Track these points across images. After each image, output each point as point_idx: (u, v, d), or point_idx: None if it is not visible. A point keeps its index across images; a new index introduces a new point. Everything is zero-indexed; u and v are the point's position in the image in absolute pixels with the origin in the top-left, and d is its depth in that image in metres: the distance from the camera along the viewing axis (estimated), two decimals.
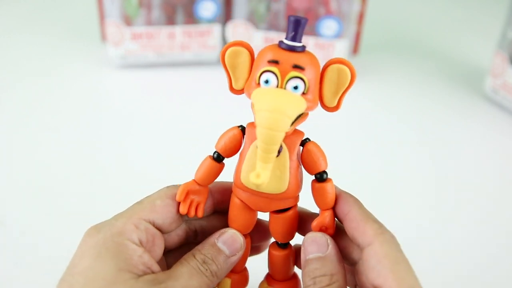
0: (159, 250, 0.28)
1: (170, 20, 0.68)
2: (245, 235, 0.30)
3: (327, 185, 0.28)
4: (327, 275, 0.26)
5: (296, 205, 0.29)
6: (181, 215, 0.29)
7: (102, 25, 0.74)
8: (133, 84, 0.68)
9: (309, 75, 0.26)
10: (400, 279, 0.24)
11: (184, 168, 0.52)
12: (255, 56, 0.27)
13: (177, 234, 0.30)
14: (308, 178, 0.29)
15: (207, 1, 0.68)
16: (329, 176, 0.28)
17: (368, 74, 0.73)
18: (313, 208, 0.30)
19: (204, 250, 0.28)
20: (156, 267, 0.26)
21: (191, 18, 0.69)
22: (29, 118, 0.59)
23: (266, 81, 0.26)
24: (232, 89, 0.28)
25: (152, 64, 0.71)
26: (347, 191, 0.29)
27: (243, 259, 0.31)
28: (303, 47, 0.26)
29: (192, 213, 0.29)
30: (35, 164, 0.52)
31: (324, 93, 0.27)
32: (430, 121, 0.64)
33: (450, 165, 0.56)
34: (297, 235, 0.30)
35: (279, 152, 0.26)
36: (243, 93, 0.28)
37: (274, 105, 0.24)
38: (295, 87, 0.25)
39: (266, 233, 0.31)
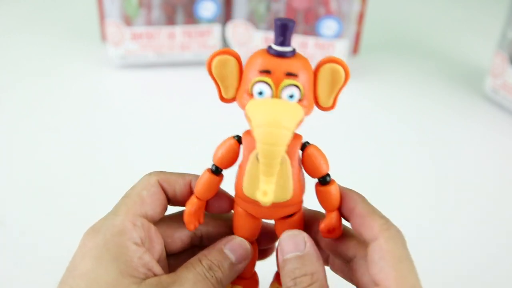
0: (158, 246, 0.28)
1: (170, 20, 0.68)
2: (252, 242, 0.29)
3: (331, 188, 0.27)
4: (308, 275, 0.25)
5: (300, 208, 0.28)
6: (168, 199, 0.29)
7: (102, 25, 0.74)
8: (133, 84, 0.68)
9: (303, 80, 0.25)
10: (401, 277, 0.24)
11: (184, 168, 0.52)
12: (243, 62, 0.26)
13: (181, 240, 0.30)
14: (310, 180, 0.28)
15: (207, 1, 0.68)
16: (332, 178, 0.27)
17: (368, 74, 0.73)
18: (317, 206, 0.29)
19: (210, 256, 0.27)
20: (157, 268, 0.26)
21: (191, 18, 0.69)
22: (29, 118, 0.59)
23: (260, 93, 0.25)
24: (222, 98, 0.27)
25: (152, 64, 0.71)
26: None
27: (252, 265, 0.30)
28: (293, 51, 0.25)
29: (197, 225, 0.29)
30: (35, 164, 0.52)
31: (318, 94, 0.26)
32: (430, 121, 0.64)
33: (450, 165, 0.56)
34: None
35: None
36: (234, 101, 0.27)
37: (271, 119, 0.23)
38: (291, 96, 0.25)
39: (272, 236, 0.31)
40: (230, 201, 0.30)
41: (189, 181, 0.29)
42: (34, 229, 0.44)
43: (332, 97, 0.26)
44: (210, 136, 0.59)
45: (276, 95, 0.25)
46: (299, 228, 0.29)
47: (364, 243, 0.27)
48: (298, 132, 0.27)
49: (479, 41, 0.86)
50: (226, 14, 0.72)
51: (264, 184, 0.24)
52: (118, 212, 0.27)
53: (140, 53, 0.69)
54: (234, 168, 0.28)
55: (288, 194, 0.26)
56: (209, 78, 0.26)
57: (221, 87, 0.27)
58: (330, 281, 0.27)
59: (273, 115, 0.23)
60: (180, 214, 0.30)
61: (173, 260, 0.30)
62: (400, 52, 0.81)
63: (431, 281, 0.40)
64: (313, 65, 0.26)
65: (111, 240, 0.25)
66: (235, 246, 0.28)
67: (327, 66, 0.26)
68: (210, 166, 0.28)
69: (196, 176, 0.29)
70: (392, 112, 0.65)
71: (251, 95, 0.25)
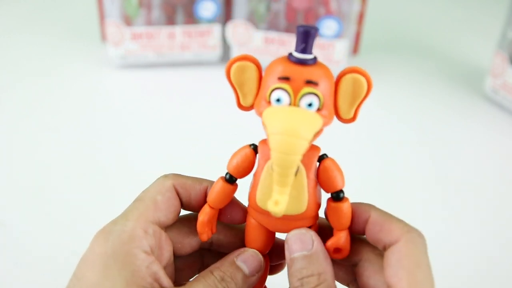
0: (167, 253, 0.27)
1: (170, 20, 0.68)
2: (263, 255, 0.29)
3: (343, 205, 0.26)
4: (315, 275, 0.25)
5: (315, 223, 0.27)
6: (181, 204, 0.28)
7: (102, 25, 0.74)
8: (133, 84, 0.68)
9: (323, 89, 0.24)
10: (416, 283, 0.23)
11: (184, 168, 0.52)
12: (263, 69, 0.25)
13: (190, 245, 0.29)
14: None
15: (207, 1, 0.68)
16: (346, 196, 0.26)
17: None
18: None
19: (223, 267, 0.26)
20: (164, 280, 0.25)
21: (191, 18, 0.69)
22: (29, 118, 0.59)
23: (278, 100, 0.24)
24: (240, 105, 0.26)
25: (152, 64, 0.71)
26: (350, 196, 0.28)
27: (263, 280, 0.29)
28: (315, 59, 0.24)
29: (210, 235, 0.28)
30: (35, 164, 0.52)
31: (339, 105, 0.25)
32: (430, 121, 0.64)
33: (450, 165, 0.56)
34: None
35: (296, 172, 0.25)
36: (252, 109, 0.26)
37: (288, 127, 0.22)
38: (310, 104, 0.24)
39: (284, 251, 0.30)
40: (244, 212, 0.29)
41: (206, 187, 0.28)
42: (34, 229, 0.44)
43: (353, 109, 0.25)
44: (210, 136, 0.59)
45: (294, 103, 0.24)
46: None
47: (369, 246, 0.27)
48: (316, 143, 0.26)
49: (479, 41, 0.86)
50: (226, 14, 0.72)
51: (277, 194, 0.23)
52: (129, 217, 0.26)
53: (140, 53, 0.69)
54: (250, 178, 0.27)
55: (302, 206, 0.25)
56: (228, 84, 0.26)
57: (239, 94, 0.26)
58: (337, 282, 0.27)
59: (290, 123, 0.23)
60: (191, 217, 0.29)
61: (180, 261, 0.29)
62: (400, 52, 0.81)
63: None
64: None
65: (119, 248, 0.24)
66: (248, 258, 0.27)
67: (349, 76, 0.25)
68: (224, 175, 0.27)
69: (212, 182, 0.28)
70: (392, 112, 0.65)
71: (269, 103, 0.24)
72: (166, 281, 0.25)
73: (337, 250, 0.26)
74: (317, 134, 0.24)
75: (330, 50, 0.68)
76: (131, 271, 0.24)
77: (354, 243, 0.27)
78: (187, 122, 0.60)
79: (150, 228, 0.26)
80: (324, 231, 0.28)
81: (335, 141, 0.58)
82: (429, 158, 0.56)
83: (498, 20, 0.76)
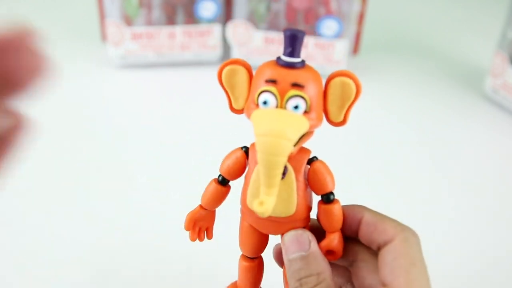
0: None
1: (170, 20, 0.68)
2: (257, 257, 0.29)
3: (334, 207, 0.26)
4: (314, 275, 0.25)
5: (307, 225, 0.27)
6: None
7: (102, 25, 0.74)
8: (133, 84, 0.68)
9: (311, 92, 0.24)
10: (412, 281, 0.23)
11: (184, 167, 0.52)
12: (254, 72, 0.26)
13: None
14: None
15: (207, 1, 0.68)
16: (336, 197, 0.26)
17: (368, 74, 0.73)
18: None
19: None
20: None
21: (191, 18, 0.69)
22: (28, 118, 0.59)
23: (265, 102, 0.24)
24: (232, 108, 0.27)
25: (152, 64, 0.71)
26: (345, 197, 0.28)
27: (257, 282, 0.30)
28: (302, 62, 0.24)
29: (202, 238, 0.29)
30: (34, 164, 0.52)
31: (329, 108, 0.25)
32: (430, 121, 0.64)
33: (450, 165, 0.56)
34: None
35: (284, 173, 0.25)
36: (243, 112, 0.26)
37: (272, 128, 0.23)
38: (296, 107, 0.24)
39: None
40: None
41: None
42: (34, 229, 0.44)
43: (343, 112, 0.25)
44: (210, 136, 0.59)
45: (281, 105, 0.24)
46: None
47: (364, 246, 0.27)
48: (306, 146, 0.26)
49: (479, 41, 0.86)
50: (226, 14, 0.72)
51: (263, 194, 0.23)
52: None
53: (140, 53, 0.69)
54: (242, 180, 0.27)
55: (291, 208, 0.25)
56: (220, 88, 0.26)
57: (231, 97, 0.26)
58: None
59: (274, 124, 0.23)
60: None
61: None
62: (400, 52, 0.81)
63: (431, 280, 0.40)
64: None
65: None
66: None
67: (338, 79, 0.25)
68: (216, 176, 0.27)
69: None
70: (392, 112, 0.65)
71: (257, 105, 0.25)
72: None
73: (330, 252, 0.26)
74: (306, 136, 0.25)
75: (330, 50, 0.68)
76: None
77: (348, 244, 0.27)
78: (187, 122, 0.60)
79: None
80: (316, 233, 0.28)
81: (335, 141, 0.58)
82: (429, 158, 0.56)
83: (498, 20, 0.76)
